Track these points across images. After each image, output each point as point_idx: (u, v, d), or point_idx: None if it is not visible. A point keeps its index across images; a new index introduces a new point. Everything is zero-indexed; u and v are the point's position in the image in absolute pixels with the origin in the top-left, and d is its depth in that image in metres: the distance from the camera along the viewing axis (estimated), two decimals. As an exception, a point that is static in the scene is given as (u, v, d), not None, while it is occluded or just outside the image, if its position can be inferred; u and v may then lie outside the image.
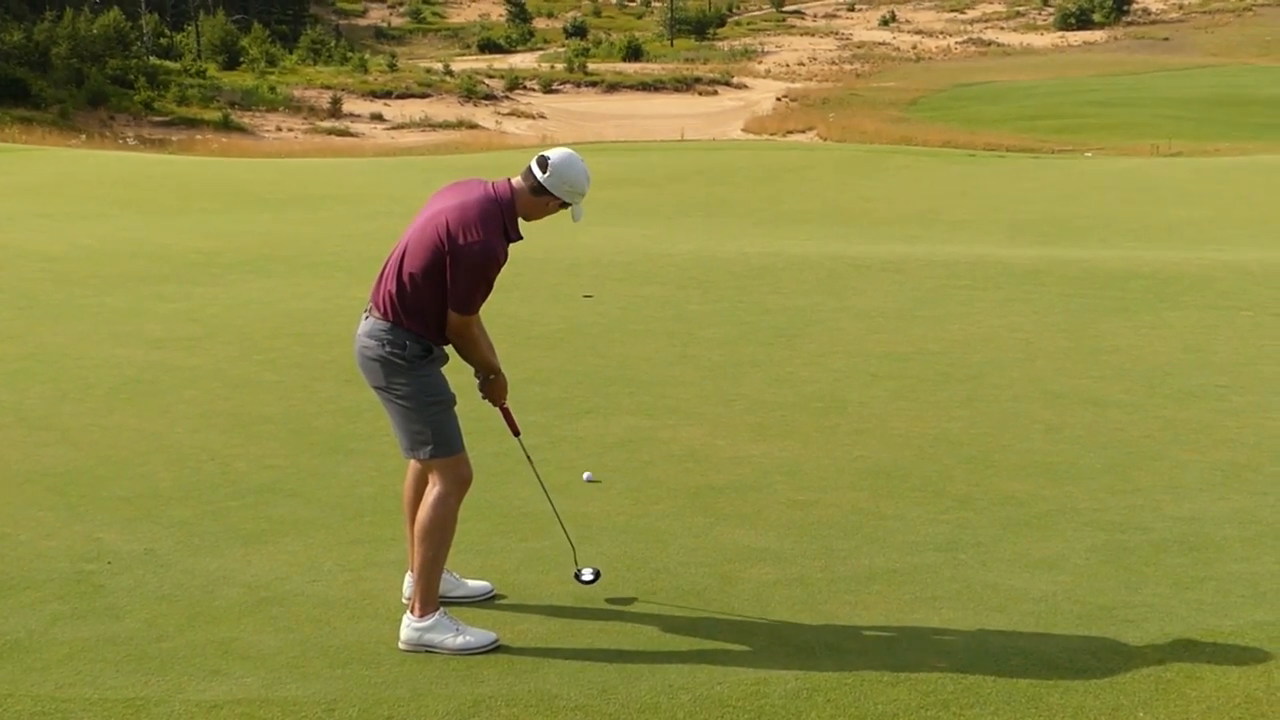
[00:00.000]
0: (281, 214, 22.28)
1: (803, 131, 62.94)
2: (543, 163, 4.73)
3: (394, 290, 4.75)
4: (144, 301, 12.68)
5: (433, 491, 4.83)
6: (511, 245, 4.77)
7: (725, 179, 29.81)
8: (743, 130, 65.07)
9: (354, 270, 14.65)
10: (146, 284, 13.84)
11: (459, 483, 4.85)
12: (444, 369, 4.90)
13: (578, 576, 5.20)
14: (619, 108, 78.33)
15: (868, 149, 39.16)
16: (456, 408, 4.87)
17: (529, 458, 5.32)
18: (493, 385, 5.04)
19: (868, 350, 10.38)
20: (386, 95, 77.10)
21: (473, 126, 67.89)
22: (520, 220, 4.82)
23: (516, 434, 5.23)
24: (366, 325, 4.82)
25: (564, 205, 4.79)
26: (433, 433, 4.79)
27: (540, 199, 4.76)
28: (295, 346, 10.39)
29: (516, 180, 4.79)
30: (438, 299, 4.70)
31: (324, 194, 25.70)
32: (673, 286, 13.83)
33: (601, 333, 11.10)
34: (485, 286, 4.69)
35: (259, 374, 9.42)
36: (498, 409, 5.15)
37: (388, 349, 4.75)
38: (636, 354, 10.22)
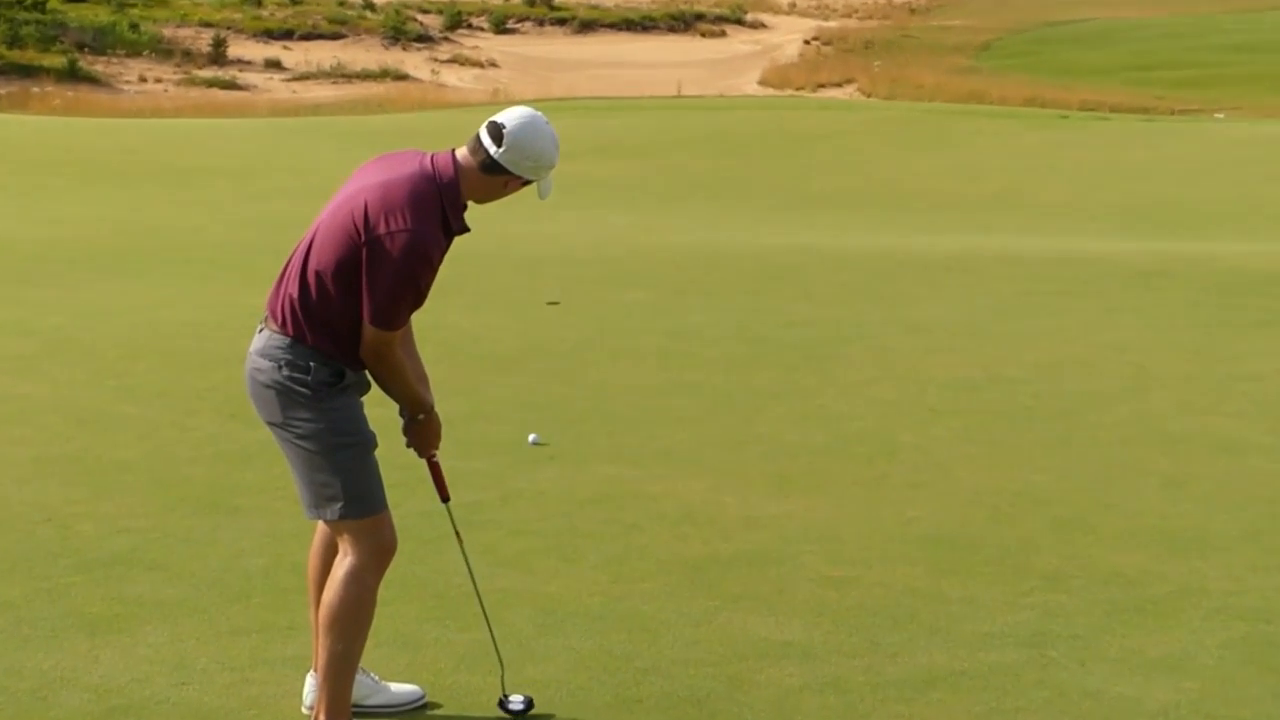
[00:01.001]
0: (145, 193, 22.29)
1: (839, 85, 63.14)
2: (496, 132, 4.72)
3: (295, 295, 4.76)
4: (-41, 308, 12.67)
5: (344, 564, 4.81)
6: (454, 239, 4.77)
7: (736, 148, 29.90)
8: (760, 84, 65.26)
9: (242, 268, 14.64)
10: (-37, 285, 13.83)
11: (378, 552, 4.83)
12: (363, 399, 4.90)
13: (503, 705, 5.16)
14: (595, 53, 78.52)
15: (925, 109, 39.30)
16: (378, 451, 4.86)
17: (458, 534, 5.25)
18: (421, 428, 5.00)
19: (925, 376, 10.40)
20: (286, 35, 77.22)
21: (401, 77, 67.93)
22: (466, 205, 4.82)
23: (445, 499, 5.18)
24: (260, 340, 4.84)
25: (526, 183, 4.80)
26: (343, 484, 4.78)
27: (494, 178, 4.78)
28: (162, 370, 10.37)
29: (462, 153, 4.79)
30: (352, 308, 4.71)
31: (203, 166, 25.72)
32: (666, 291, 13.85)
33: (571, 352, 11.10)
34: (413, 294, 4.70)
35: (113, 405, 9.39)
36: (424, 460, 5.11)
37: (285, 372, 4.76)
38: (618, 380, 10.23)
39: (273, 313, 4.82)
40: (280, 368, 4.76)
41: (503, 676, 5.27)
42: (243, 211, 19.85)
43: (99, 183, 23.39)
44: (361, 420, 4.86)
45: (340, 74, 68.45)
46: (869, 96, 56.83)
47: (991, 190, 24.62)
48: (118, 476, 7.87)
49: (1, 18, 69.92)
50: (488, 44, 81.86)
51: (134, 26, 73.69)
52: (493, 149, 4.72)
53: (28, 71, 62.83)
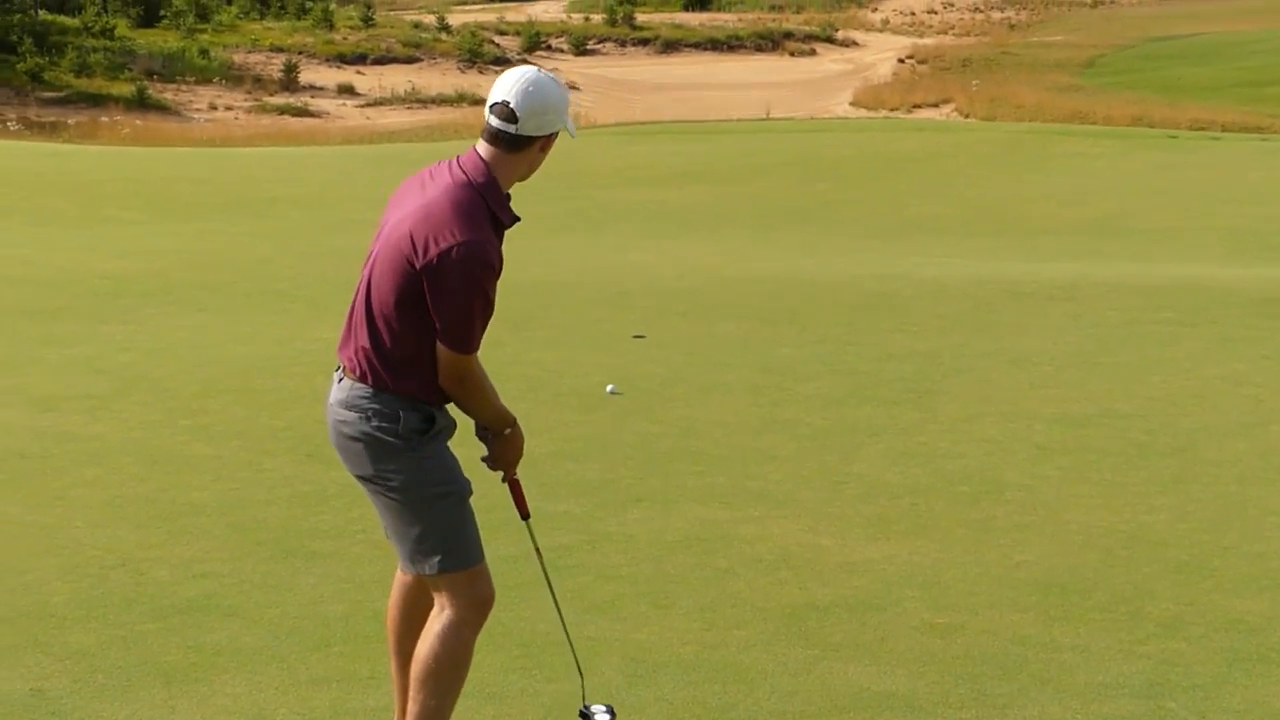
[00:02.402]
0: (217, 224, 22.55)
1: (935, 106, 62.93)
2: (506, 112, 4.78)
3: (368, 343, 4.80)
4: (28, 346, 12.85)
5: (441, 618, 4.85)
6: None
7: (828, 173, 29.87)
8: (852, 105, 65.18)
9: (316, 302, 14.79)
10: (32, 322, 14.05)
11: (477, 605, 4.88)
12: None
13: (584, 716, 5.17)
14: (679, 75, 78.70)
15: (1026, 129, 39.10)
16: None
17: (538, 551, 5.29)
18: (506, 444, 5.02)
19: (1031, 412, 10.35)
20: (360, 60, 77.93)
21: (478, 102, 68.19)
22: (510, 195, 4.90)
23: (525, 516, 5.21)
24: (340, 392, 4.87)
25: (553, 138, 4.92)
26: (441, 536, 4.82)
27: (525, 153, 4.85)
28: (236, 408, 10.48)
29: (484, 147, 4.85)
30: (428, 342, 4.75)
31: (275, 196, 26.00)
32: (757, 323, 13.85)
33: (659, 388, 11.13)
34: (483, 305, 4.74)
35: (187, 446, 9.49)
36: (506, 483, 5.14)
37: (374, 424, 4.79)
38: (707, 417, 10.24)
39: (350, 364, 4.85)
40: (368, 419, 4.79)
41: (583, 686, 5.31)
42: (316, 243, 20.00)
43: (169, 214, 23.70)
44: (455, 468, 4.88)
45: (415, 99, 68.89)
46: (967, 117, 56.48)
47: (1097, 215, 24.45)
48: (192, 519, 7.95)
49: (70, 45, 70.89)
50: (567, 66, 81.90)
51: (204, 53, 74.29)
52: (511, 128, 4.78)
53: (96, 100, 63.65)
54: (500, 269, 4.75)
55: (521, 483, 5.16)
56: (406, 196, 4.90)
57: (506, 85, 4.81)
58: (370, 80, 73.00)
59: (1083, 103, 57.03)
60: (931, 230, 23.06)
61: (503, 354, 11.82)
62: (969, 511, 8.09)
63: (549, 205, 24.06)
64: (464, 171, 4.80)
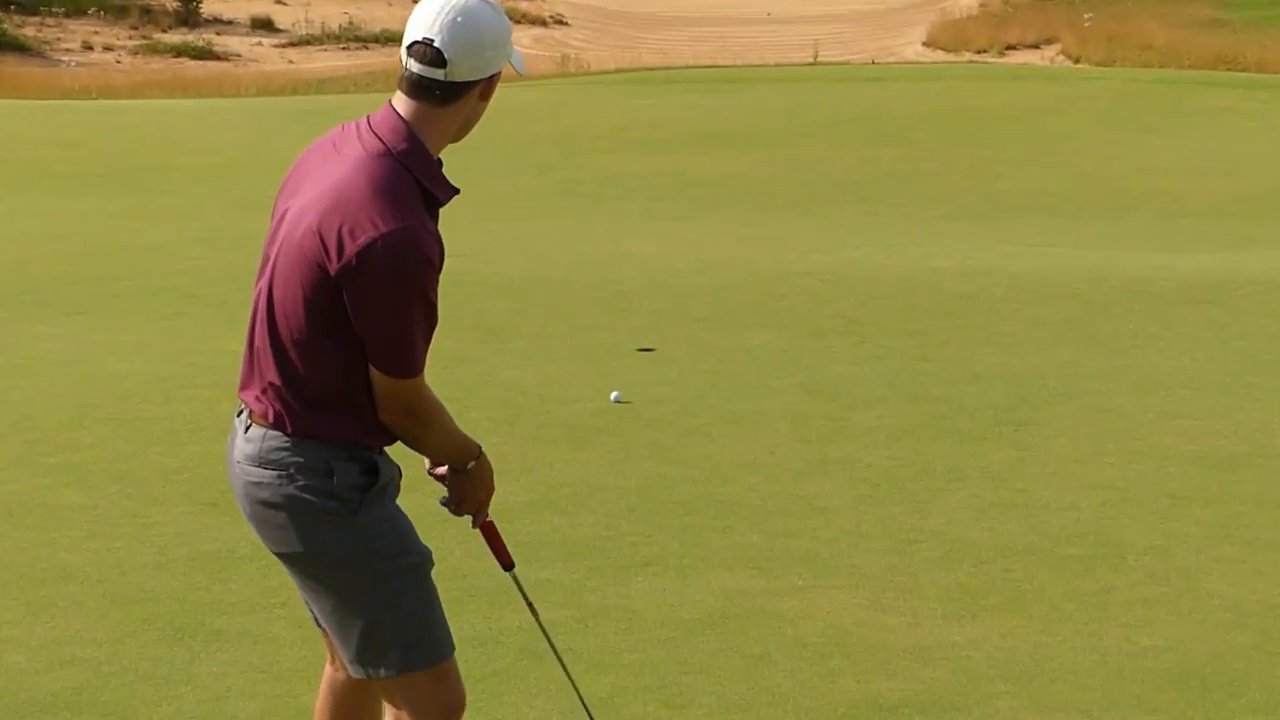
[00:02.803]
0: (92, 202, 22.54)
1: (1035, 47, 62.86)
2: (430, 54, 4.70)
3: (278, 377, 4.75)
4: None
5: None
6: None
7: (894, 135, 29.84)
8: (926, 45, 65.10)
9: (224, 304, 14.74)
10: None
11: (447, 712, 4.91)
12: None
13: None
14: (699, 4, 78.70)
15: (1155, 77, 39.02)
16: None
17: (531, 606, 5.28)
18: (473, 479, 5.01)
19: (1162, 450, 10.36)
20: (280, -14, 78.02)
21: (435, 41, 68.49)
22: (442, 161, 4.84)
23: (508, 566, 5.23)
24: (249, 443, 4.81)
25: (496, 79, 4.85)
26: (400, 627, 4.82)
27: (461, 104, 4.79)
28: (117, 442, 10.47)
29: (402, 102, 4.78)
30: (358, 370, 4.73)
31: (169, 165, 25.99)
32: (801, 331, 13.84)
33: (673, 417, 11.13)
34: (427, 314, 4.72)
35: (52, 492, 9.48)
36: (476, 528, 5.15)
37: (299, 484, 4.74)
38: (735, 456, 10.25)
39: (258, 407, 4.80)
40: (290, 478, 4.75)
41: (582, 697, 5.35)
42: (223, 226, 19.96)
43: (29, 189, 23.66)
44: (411, 532, 4.88)
45: (352, 37, 68.87)
46: (1077, 62, 56.48)
47: (1250, 190, 24.41)
48: (59, 588, 7.93)
49: (-101, -32, 70.77)
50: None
51: (75, -26, 74.05)
52: (439, 73, 4.74)
53: (-67, 39, 63.64)
54: (442, 261, 4.72)
55: (497, 524, 5.18)
56: (307, 175, 4.85)
57: (426, 18, 4.75)
58: (294, 12, 72.97)
59: (1228, 42, 56.88)
60: (1031, 210, 23.04)
61: (469, 372, 11.84)
62: (1080, 581, 8.07)
63: (529, 178, 24.11)
64: (378, 137, 4.75)
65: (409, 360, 4.73)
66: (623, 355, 12.91)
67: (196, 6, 71.86)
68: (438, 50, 4.71)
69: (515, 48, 4.88)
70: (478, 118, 4.89)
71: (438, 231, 4.74)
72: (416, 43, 4.74)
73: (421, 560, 4.86)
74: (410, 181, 4.72)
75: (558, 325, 13.98)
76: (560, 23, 74.62)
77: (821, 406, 11.42)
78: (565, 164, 25.57)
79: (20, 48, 64.24)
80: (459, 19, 4.71)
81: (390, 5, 75.61)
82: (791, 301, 15.13)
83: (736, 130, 29.97)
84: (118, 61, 62.79)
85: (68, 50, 65.31)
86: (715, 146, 28.11)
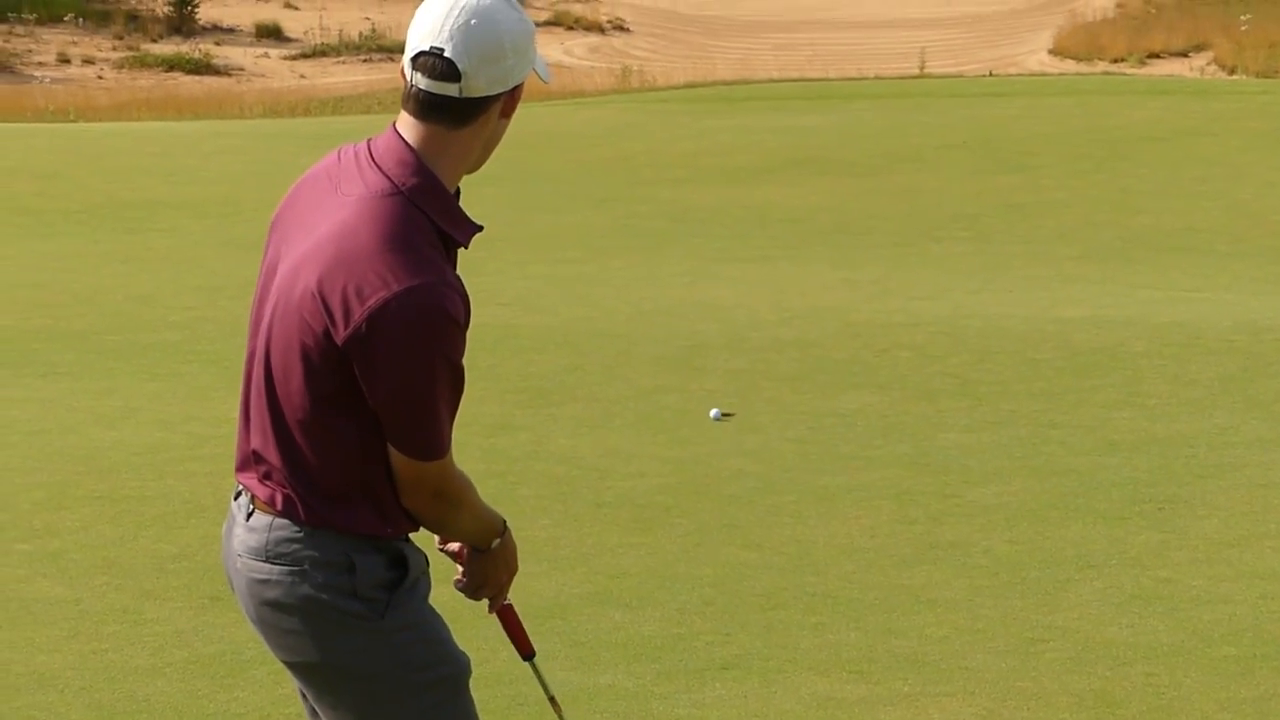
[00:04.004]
0: (71, 242, 22.61)
1: (1183, 55, 62.62)
2: (440, 66, 4.61)
3: (281, 459, 4.72)
4: None
5: None
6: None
7: (1015, 159, 29.77)
8: (1053, 53, 64.93)
9: (223, 361, 14.75)
10: None
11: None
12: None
13: None
14: (783, 5, 78.66)
15: (1329, 91, 38.93)
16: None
17: (553, 701, 5.31)
18: (495, 560, 5.03)
19: (1336, 532, 10.35)
20: (290, -12, 78.21)
21: (472, 51, 68.44)
22: (459, 192, 4.77)
23: (528, 655, 5.26)
24: (252, 533, 4.80)
25: (519, 91, 4.77)
26: None
27: (475, 127, 4.72)
28: (103, 525, 10.53)
29: (409, 125, 4.71)
30: (376, 448, 4.71)
31: (160, 199, 26.04)
32: (906, 393, 13.84)
33: (755, 494, 11.15)
34: (449, 380, 4.66)
35: (28, 584, 9.53)
36: (493, 613, 5.19)
37: (316, 581, 4.73)
38: (830, 539, 10.28)
39: (259, 490, 4.77)
40: (303, 574, 4.72)
41: None
42: (225, 269, 19.95)
43: (-2, 227, 23.79)
44: (446, 637, 4.87)
45: (375, 47, 68.80)
46: (1231, 73, 56.22)
47: None
48: (37, 696, 7.98)
49: None
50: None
51: (48, -21, 74.19)
52: (452, 88, 4.65)
53: (-114, 52, 64.01)
54: (468, 318, 4.63)
55: (516, 607, 5.22)
56: (301, 216, 4.77)
57: (432, 23, 4.65)
58: (306, 18, 72.97)
59: None
60: (1176, 249, 22.94)
61: (515, 442, 11.90)
62: (1238, 688, 8.05)
63: (585, 213, 24.13)
64: (382, 170, 4.67)
65: (434, 439, 4.68)
66: (695, 421, 12.91)
67: (192, 12, 71.77)
68: (449, 61, 4.62)
69: (539, 51, 4.79)
70: (499, 139, 4.80)
71: (461, 283, 4.66)
72: (422, 53, 4.65)
73: (459, 671, 4.85)
74: (424, 225, 4.65)
75: (619, 386, 13.99)
76: (621, 29, 74.37)
77: (930, 481, 11.43)
78: (627, 196, 25.56)
79: (-14, 62, 64.47)
80: (473, 22, 4.63)
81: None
82: (894, 357, 15.11)
83: (829, 156, 29.94)
84: (99, 77, 62.90)
85: (41, 64, 65.44)
86: (804, 175, 28.09)
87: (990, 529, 10.44)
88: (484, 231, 4.78)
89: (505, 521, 5.00)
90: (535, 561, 8.77)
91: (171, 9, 71.76)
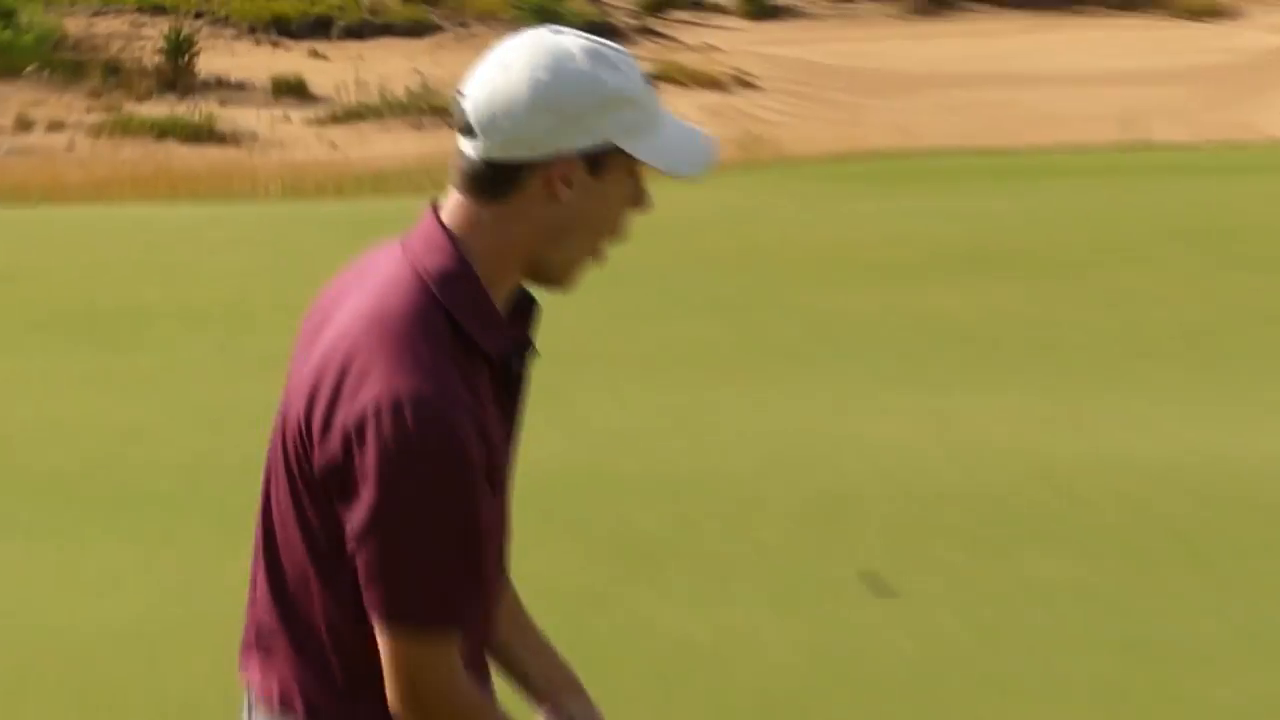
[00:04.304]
0: (38, 364, 22.89)
1: None
2: (462, 120, 4.42)
3: (286, 642, 4.66)
4: None
5: None
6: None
7: (1257, 253, 29.80)
8: (1308, 113, 65.12)
9: (230, 519, 14.90)
10: None
11: None
12: None
13: None
14: (952, 54, 78.90)
15: None
16: None
17: None
18: None
19: None
20: (315, 30, 78.85)
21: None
22: (504, 292, 4.49)
23: None
24: None
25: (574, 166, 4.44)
26: None
27: (513, 203, 4.42)
28: (86, 718, 10.67)
29: (453, 206, 4.48)
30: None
31: (150, 307, 26.30)
32: (1115, 556, 13.85)
33: (920, 685, 11.19)
34: (465, 528, 4.39)
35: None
36: None
37: None
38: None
39: (263, 690, 4.74)
40: None
41: None
42: (233, 396, 20.18)
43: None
44: None
45: (425, 107, 69.27)
46: None
47: None
48: None
49: None
50: (732, 40, 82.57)
51: (7, 16, 74.88)
52: (470, 146, 4.44)
53: None
54: (488, 454, 4.37)
55: None
56: (318, 327, 4.59)
57: (485, 60, 4.47)
58: (338, 69, 73.59)
59: None
60: None
61: (608, 620, 11.96)
62: None
63: (698, 324, 24.25)
64: (406, 251, 4.49)
65: (404, 593, 4.39)
66: (842, 593, 12.97)
67: (189, 63, 72.08)
68: (463, 110, 4.44)
69: (674, 118, 4.49)
70: (567, 228, 4.47)
71: (480, 405, 4.38)
72: (456, 96, 4.50)
73: None
74: (440, 320, 4.37)
75: (742, 548, 14.05)
76: (746, 84, 74.67)
77: (1147, 673, 11.44)
78: (753, 302, 25.75)
79: (-74, 127, 65.24)
80: (506, 58, 4.44)
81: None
82: (1100, 511, 15.15)
83: (1015, 248, 30.11)
84: (70, 147, 63.44)
85: (-8, 134, 66.02)
86: (982, 273, 28.25)
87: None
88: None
89: None
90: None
91: (163, 58, 72.00)
